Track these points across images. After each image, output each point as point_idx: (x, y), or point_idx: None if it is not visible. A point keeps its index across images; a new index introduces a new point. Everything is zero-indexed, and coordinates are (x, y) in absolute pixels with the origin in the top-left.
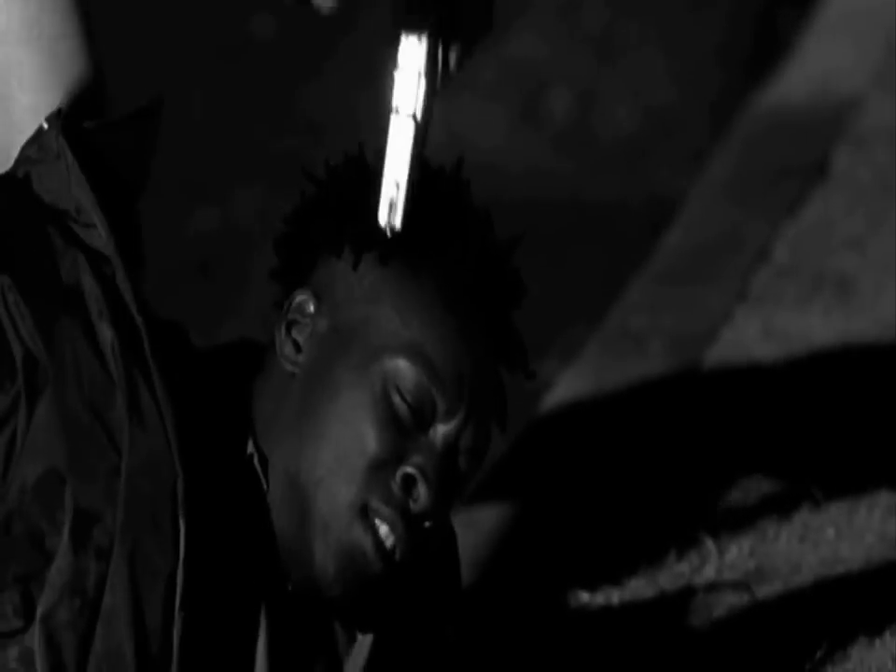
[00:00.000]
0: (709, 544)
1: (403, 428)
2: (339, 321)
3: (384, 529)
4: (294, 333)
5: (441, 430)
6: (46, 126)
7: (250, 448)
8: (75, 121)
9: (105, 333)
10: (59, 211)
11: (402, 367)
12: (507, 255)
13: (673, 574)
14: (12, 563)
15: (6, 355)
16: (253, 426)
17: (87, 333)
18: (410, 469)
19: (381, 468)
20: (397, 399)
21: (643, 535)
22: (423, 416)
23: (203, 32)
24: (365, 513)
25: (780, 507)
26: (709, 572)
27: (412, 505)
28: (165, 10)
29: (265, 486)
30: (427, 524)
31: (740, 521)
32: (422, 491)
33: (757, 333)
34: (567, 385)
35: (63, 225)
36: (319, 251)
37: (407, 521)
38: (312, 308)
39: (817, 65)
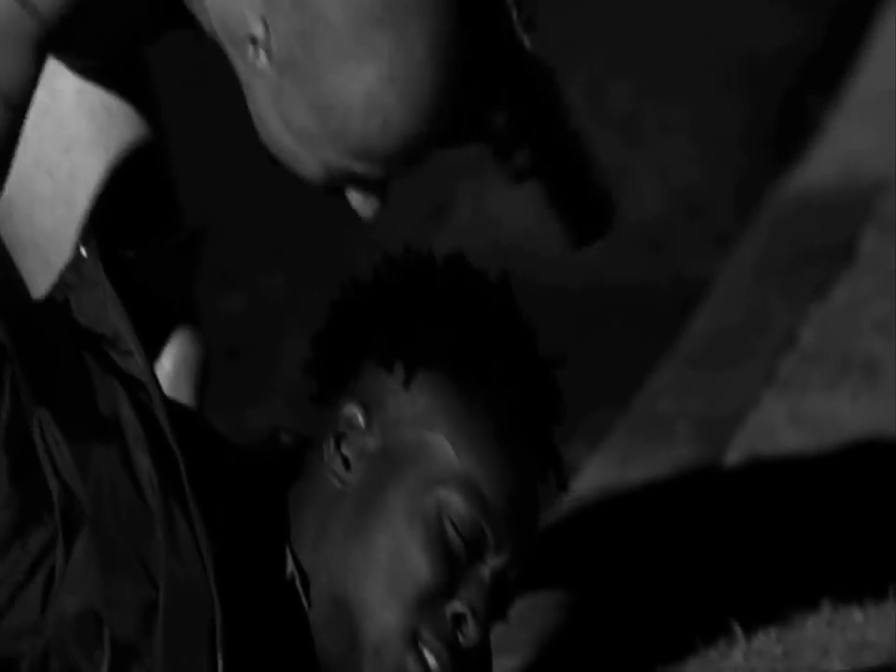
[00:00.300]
0: (736, 629)
1: (454, 559)
2: (390, 443)
3: (432, 662)
4: (343, 448)
5: (490, 563)
6: (84, 252)
7: (290, 566)
8: (116, 241)
9: (143, 463)
10: (96, 337)
11: (456, 501)
12: (551, 373)
13: (701, 660)
14: None
15: (43, 489)
16: (291, 538)
17: (124, 463)
18: (462, 609)
19: (432, 598)
20: (450, 532)
21: (671, 621)
22: (474, 549)
23: (236, 120)
24: (415, 643)
25: (807, 591)
26: (737, 657)
27: (460, 639)
28: (193, 98)
29: (306, 604)
30: (472, 655)
31: (767, 605)
32: (472, 628)
33: (784, 417)
34: (593, 470)
35: (100, 351)
36: (367, 360)
37: (454, 653)
38: (362, 423)
39: (843, 148)
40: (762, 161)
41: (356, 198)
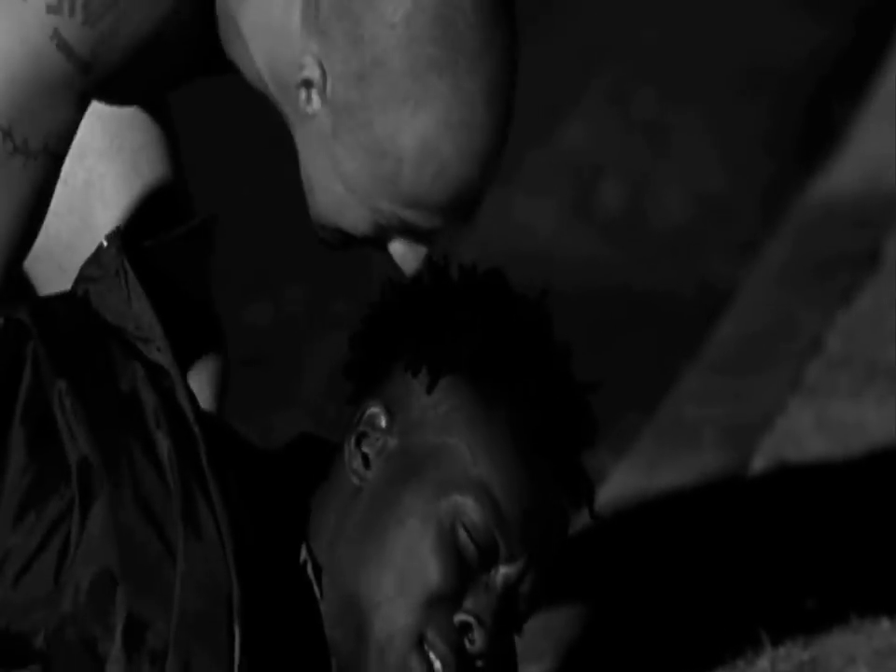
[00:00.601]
0: (763, 636)
1: (465, 565)
2: (410, 444)
3: (437, 665)
4: (364, 446)
5: (502, 572)
6: (105, 244)
7: (304, 555)
8: (134, 238)
9: (162, 443)
10: (118, 326)
11: (470, 507)
12: (582, 395)
13: (728, 667)
14: (66, 668)
15: (60, 459)
16: (308, 531)
17: (144, 442)
18: (467, 618)
19: (440, 602)
20: (463, 537)
21: (697, 628)
22: (486, 556)
23: (254, 123)
24: (421, 645)
25: (834, 598)
26: (763, 664)
27: (467, 646)
28: (212, 103)
29: (318, 594)
30: (480, 664)
31: (794, 612)
32: (478, 636)
33: (811, 423)
34: (620, 476)
35: (121, 339)
36: (396, 362)
37: (461, 659)
38: (383, 423)
39: (868, 154)
40: (786, 167)
41: (398, 251)
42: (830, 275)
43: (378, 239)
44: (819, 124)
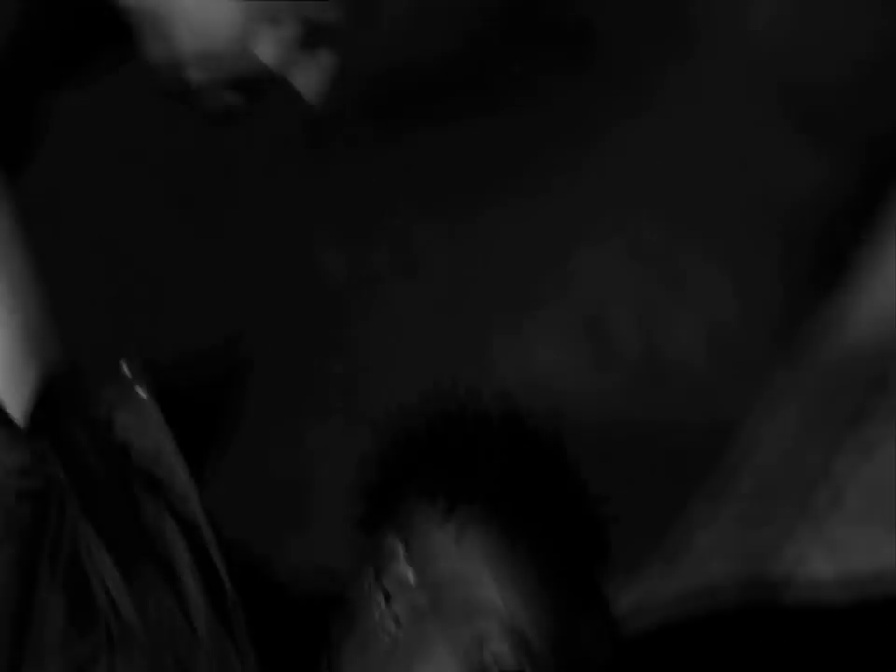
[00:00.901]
0: None
1: None
2: (431, 577)
3: None
4: (383, 581)
5: None
6: (128, 374)
7: None
8: (152, 366)
9: (191, 589)
10: (141, 455)
11: (497, 636)
12: (600, 517)
13: None
14: None
15: (90, 604)
16: (332, 665)
17: (172, 587)
18: None
19: None
20: (490, 666)
21: None
22: None
23: (270, 267)
24: None
25: None
26: None
27: None
28: (228, 250)
29: None
30: None
31: None
32: None
33: (830, 577)
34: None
35: (145, 472)
36: (412, 491)
37: None
38: (402, 557)
39: (882, 295)
40: (799, 300)
41: (300, 77)
42: (844, 409)
43: (256, 68)
44: (832, 256)
